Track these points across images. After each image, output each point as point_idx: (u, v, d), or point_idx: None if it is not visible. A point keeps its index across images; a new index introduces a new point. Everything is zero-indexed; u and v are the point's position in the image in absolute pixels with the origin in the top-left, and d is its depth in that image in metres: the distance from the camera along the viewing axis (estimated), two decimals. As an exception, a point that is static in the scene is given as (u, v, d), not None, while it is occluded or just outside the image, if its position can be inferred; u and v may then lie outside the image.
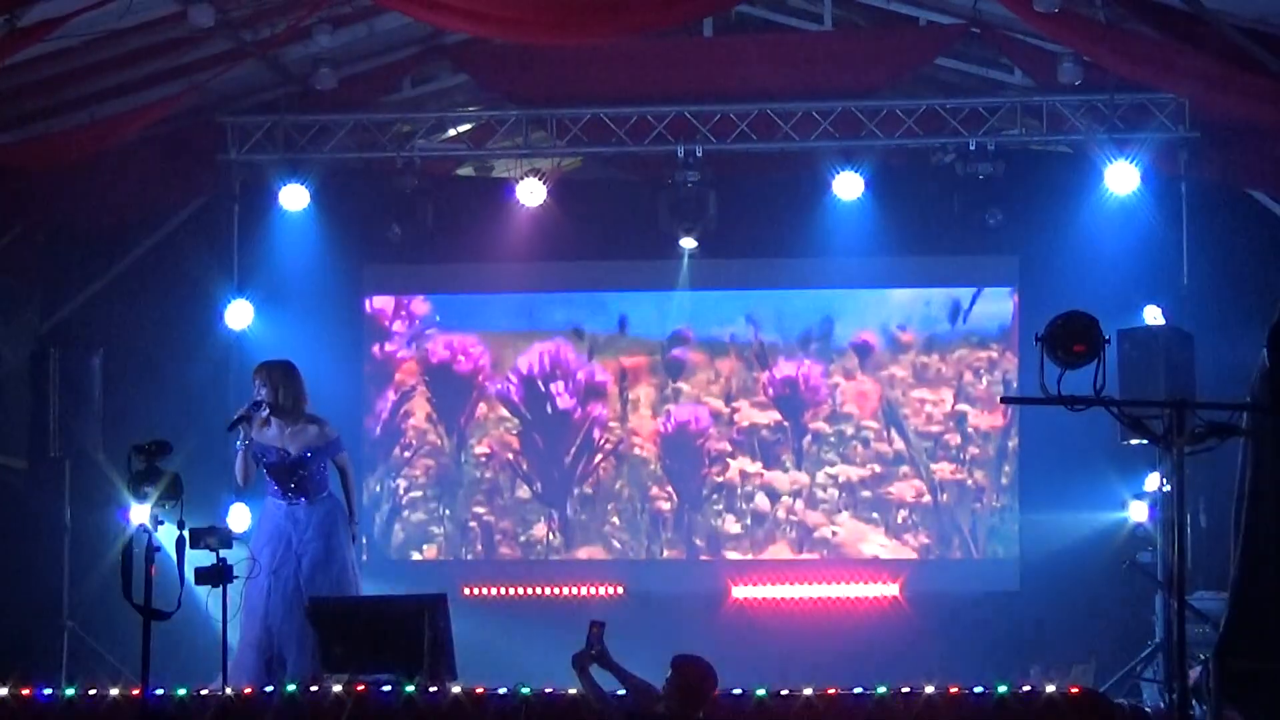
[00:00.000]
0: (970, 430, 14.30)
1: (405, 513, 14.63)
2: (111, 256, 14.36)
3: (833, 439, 14.40)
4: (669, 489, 14.51)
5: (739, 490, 14.42)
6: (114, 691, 9.30)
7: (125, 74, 12.48)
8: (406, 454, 14.67)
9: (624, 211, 14.43)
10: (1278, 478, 7.33)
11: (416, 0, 11.72)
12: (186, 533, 8.48)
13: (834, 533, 14.33)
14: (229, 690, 9.25)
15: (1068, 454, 13.03)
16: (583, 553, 14.52)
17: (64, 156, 12.60)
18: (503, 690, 9.08)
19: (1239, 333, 11.09)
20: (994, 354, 14.31)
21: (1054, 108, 13.55)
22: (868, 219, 13.87)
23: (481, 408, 14.66)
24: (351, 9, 12.74)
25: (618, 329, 14.60)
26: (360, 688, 9.08)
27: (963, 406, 14.33)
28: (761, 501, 14.40)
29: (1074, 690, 9.06)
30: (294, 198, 13.88)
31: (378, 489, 14.58)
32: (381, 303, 14.78)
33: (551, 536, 14.54)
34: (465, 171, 15.28)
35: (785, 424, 14.43)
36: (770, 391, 14.49)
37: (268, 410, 10.38)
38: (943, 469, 14.28)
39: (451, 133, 14.56)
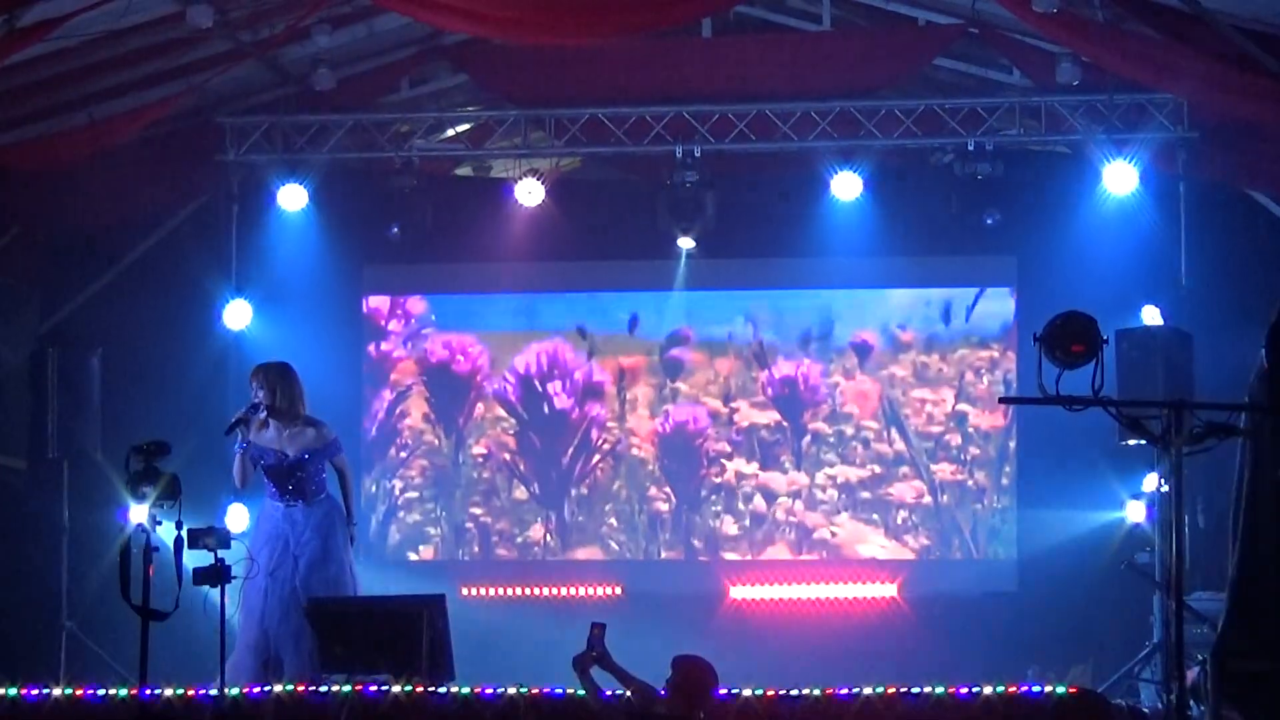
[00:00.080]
0: (971, 430, 14.28)
1: (401, 513, 14.61)
2: (110, 257, 14.37)
3: (832, 439, 14.38)
4: (667, 489, 14.49)
5: (737, 491, 14.40)
6: (112, 691, 9.30)
7: (124, 74, 12.49)
8: (403, 454, 14.66)
9: (622, 212, 14.44)
10: (1276, 478, 7.33)
11: (415, 0, 11.72)
12: (184, 533, 8.47)
13: (833, 534, 14.31)
14: (227, 691, 9.24)
15: (1066, 454, 13.03)
16: (580, 553, 14.50)
17: (63, 157, 12.61)
18: (501, 690, 9.07)
19: (1238, 333, 11.04)
20: (995, 354, 14.29)
21: (1052, 108, 13.54)
22: (866, 219, 13.86)
23: (479, 408, 14.65)
24: (350, 9, 12.75)
25: (627, 329, 14.58)
26: (359, 688, 9.07)
27: (963, 406, 14.31)
28: (760, 502, 14.38)
29: (1072, 690, 9.06)
30: (292, 198, 13.88)
31: (374, 489, 14.57)
32: (377, 302, 14.77)
33: (549, 537, 14.52)
34: (464, 171, 15.29)
35: (784, 424, 14.41)
36: (769, 391, 14.47)
37: (265, 412, 10.38)
38: (943, 470, 14.25)
39: (450, 133, 14.55)
